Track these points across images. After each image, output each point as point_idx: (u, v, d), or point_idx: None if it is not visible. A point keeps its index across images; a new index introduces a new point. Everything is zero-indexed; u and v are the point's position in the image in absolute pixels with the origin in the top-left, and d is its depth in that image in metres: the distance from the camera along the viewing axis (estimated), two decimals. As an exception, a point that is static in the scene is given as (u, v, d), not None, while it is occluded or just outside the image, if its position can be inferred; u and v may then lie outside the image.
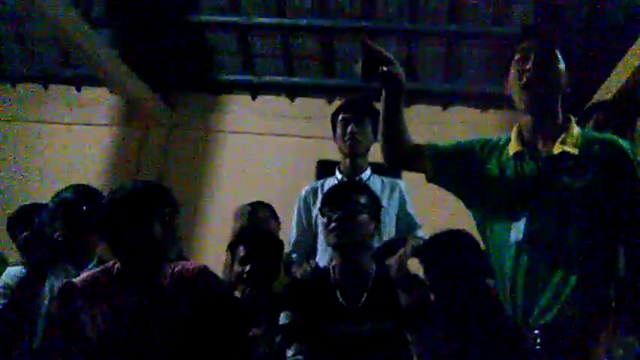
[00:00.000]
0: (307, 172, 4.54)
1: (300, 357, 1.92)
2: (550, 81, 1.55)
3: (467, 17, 4.58)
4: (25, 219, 2.44)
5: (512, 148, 1.60)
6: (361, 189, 2.07)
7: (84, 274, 1.82)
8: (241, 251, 2.15)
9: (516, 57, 1.59)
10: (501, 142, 1.66)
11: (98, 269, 1.81)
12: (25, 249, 2.34)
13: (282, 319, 1.99)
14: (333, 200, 2.00)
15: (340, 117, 2.53)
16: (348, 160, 2.52)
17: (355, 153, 2.50)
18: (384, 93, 1.57)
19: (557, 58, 1.57)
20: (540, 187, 1.52)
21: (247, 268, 2.09)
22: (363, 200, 1.98)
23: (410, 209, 2.51)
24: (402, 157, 1.68)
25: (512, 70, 1.60)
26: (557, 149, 1.53)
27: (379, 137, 1.68)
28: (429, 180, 1.68)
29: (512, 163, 1.59)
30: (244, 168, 4.97)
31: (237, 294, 2.10)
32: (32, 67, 5.32)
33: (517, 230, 1.51)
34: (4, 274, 2.26)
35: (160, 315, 1.67)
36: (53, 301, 1.81)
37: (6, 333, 2.02)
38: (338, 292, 1.95)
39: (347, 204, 1.95)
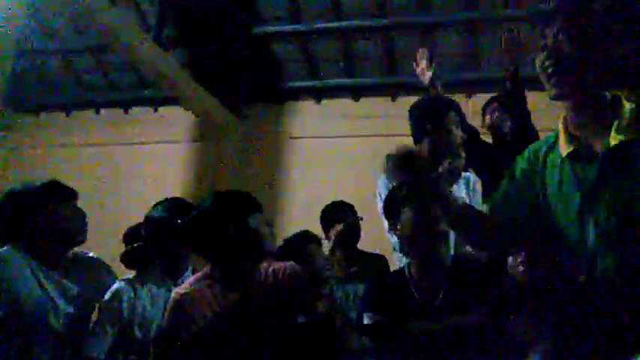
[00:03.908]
0: (377, 170, 4.56)
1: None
2: (575, 69, 1.30)
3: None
4: (131, 238, 2.59)
5: (563, 148, 1.37)
6: None
7: (188, 282, 1.97)
8: None
9: (541, 43, 1.35)
10: (551, 140, 1.45)
11: (200, 275, 1.96)
12: (123, 262, 2.56)
13: (365, 319, 2.01)
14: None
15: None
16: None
17: None
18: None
19: (583, 38, 1.30)
20: (605, 191, 1.28)
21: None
22: None
23: (478, 197, 2.52)
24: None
25: (537, 58, 1.36)
26: (613, 140, 1.27)
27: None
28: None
29: (567, 167, 1.36)
30: (316, 171, 5.07)
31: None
32: (112, 93, 5.67)
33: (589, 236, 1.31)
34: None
35: (260, 310, 1.82)
36: (165, 311, 1.95)
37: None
38: (413, 289, 1.94)
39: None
